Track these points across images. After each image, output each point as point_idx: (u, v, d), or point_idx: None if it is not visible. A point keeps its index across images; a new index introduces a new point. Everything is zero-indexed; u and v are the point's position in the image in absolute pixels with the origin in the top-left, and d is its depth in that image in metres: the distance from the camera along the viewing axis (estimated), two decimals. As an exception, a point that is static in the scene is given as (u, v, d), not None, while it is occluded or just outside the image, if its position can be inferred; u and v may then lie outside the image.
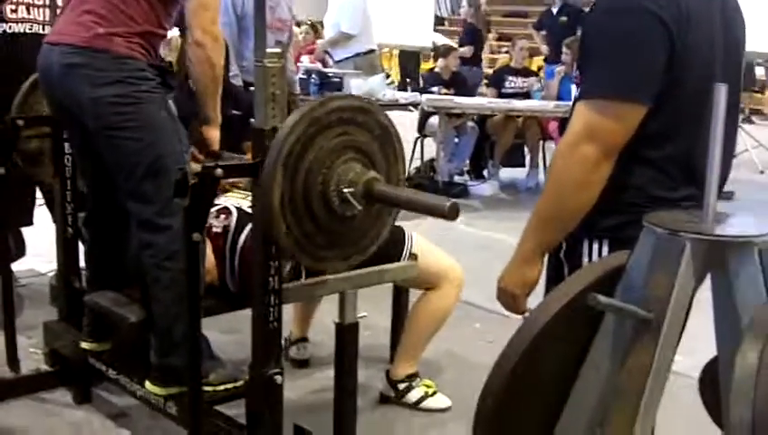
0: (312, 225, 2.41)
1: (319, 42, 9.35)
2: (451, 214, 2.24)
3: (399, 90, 11.07)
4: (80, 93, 2.84)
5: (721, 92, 1.54)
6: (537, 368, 1.61)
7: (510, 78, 8.83)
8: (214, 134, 3.08)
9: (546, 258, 2.13)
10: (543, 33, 11.32)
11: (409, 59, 13.76)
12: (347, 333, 2.87)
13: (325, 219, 2.42)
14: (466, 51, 11.20)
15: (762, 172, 9.57)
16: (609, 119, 1.84)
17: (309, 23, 10.89)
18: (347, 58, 8.19)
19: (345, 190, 2.37)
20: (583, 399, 1.71)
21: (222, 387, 2.92)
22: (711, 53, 1.95)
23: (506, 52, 11.79)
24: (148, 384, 2.94)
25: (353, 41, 8.15)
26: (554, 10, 11.12)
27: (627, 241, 1.77)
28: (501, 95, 8.67)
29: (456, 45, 10.61)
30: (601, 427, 1.68)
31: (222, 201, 3.21)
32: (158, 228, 2.85)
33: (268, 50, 2.45)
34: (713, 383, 1.72)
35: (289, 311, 3.13)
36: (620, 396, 1.63)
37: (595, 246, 2.00)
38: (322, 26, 9.41)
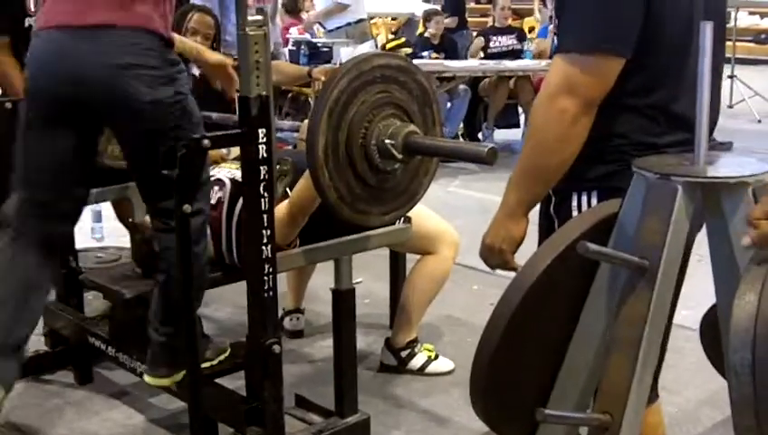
0: (352, 176, 2.49)
1: (311, 13, 9.33)
2: (489, 158, 2.32)
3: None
4: (135, 96, 2.56)
5: (707, 30, 1.50)
6: (532, 321, 1.59)
7: (494, 37, 8.78)
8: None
9: (538, 214, 2.10)
10: None
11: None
12: (343, 299, 2.86)
13: (365, 173, 2.50)
14: (450, 22, 11.08)
15: (759, 121, 9.52)
16: (585, 73, 1.80)
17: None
18: (338, 27, 8.22)
19: (386, 141, 2.45)
20: (581, 353, 1.69)
21: (217, 360, 2.90)
22: (690, 5, 1.90)
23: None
24: (148, 379, 2.88)
25: (347, 10, 8.17)
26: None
27: (615, 191, 1.74)
28: (488, 56, 8.62)
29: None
30: (599, 382, 1.66)
31: (215, 172, 3.17)
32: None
33: (249, 18, 2.41)
34: (713, 331, 1.70)
35: (283, 283, 3.10)
36: (617, 348, 1.60)
37: (584, 198, 1.95)
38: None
